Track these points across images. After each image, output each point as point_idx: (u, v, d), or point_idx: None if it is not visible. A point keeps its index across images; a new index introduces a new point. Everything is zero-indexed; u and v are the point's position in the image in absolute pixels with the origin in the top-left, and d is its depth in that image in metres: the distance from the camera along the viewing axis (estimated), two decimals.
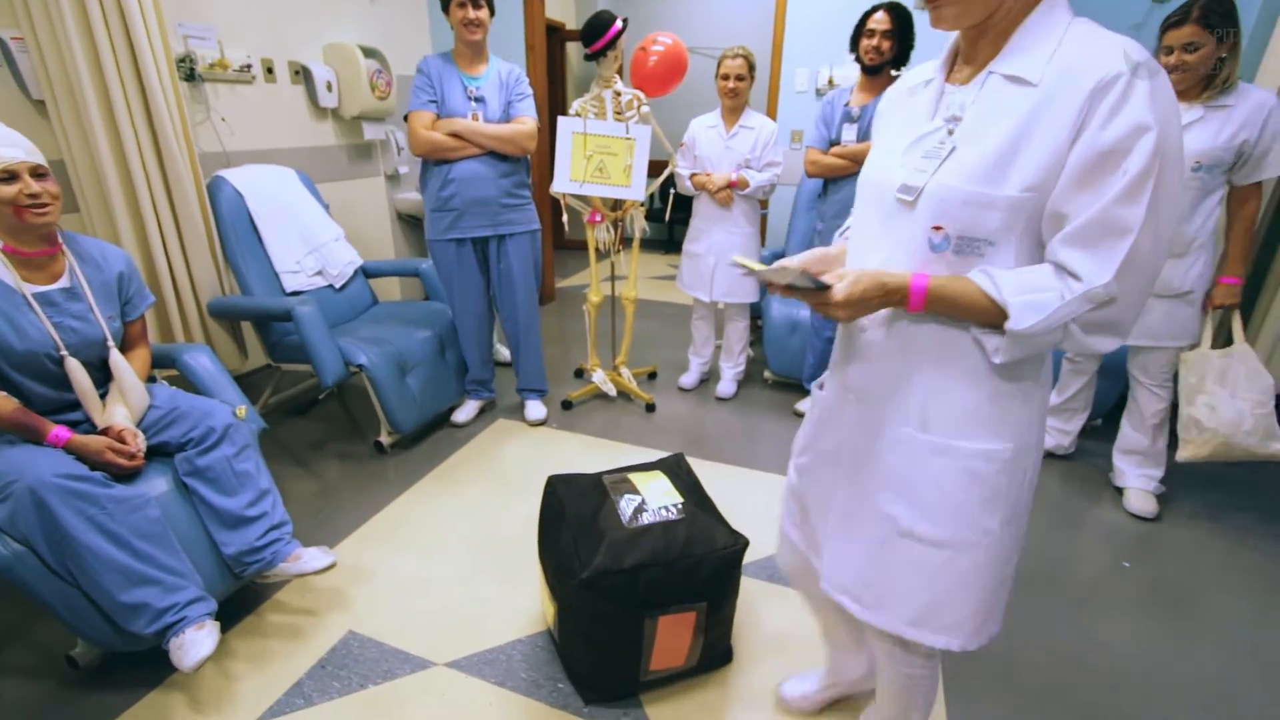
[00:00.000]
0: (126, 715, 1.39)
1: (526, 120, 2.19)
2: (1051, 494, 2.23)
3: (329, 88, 3.11)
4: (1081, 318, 0.73)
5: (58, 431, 1.40)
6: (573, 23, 5.70)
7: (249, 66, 2.77)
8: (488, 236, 2.32)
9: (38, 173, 1.38)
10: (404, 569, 1.83)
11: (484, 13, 2.08)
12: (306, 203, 2.59)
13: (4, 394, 1.37)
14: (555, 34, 5.32)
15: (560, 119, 2.31)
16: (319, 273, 2.56)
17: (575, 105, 2.37)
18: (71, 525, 1.29)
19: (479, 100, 2.15)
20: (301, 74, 3.05)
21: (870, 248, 0.89)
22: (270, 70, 2.90)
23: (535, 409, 2.64)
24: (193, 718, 1.39)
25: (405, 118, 2.19)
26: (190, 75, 2.48)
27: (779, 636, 1.61)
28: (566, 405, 2.76)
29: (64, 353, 1.44)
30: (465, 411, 2.62)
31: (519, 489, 2.20)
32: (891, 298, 0.81)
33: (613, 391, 2.85)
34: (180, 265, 2.20)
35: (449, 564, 1.85)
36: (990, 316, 0.77)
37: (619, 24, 2.25)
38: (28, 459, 1.32)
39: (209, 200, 2.27)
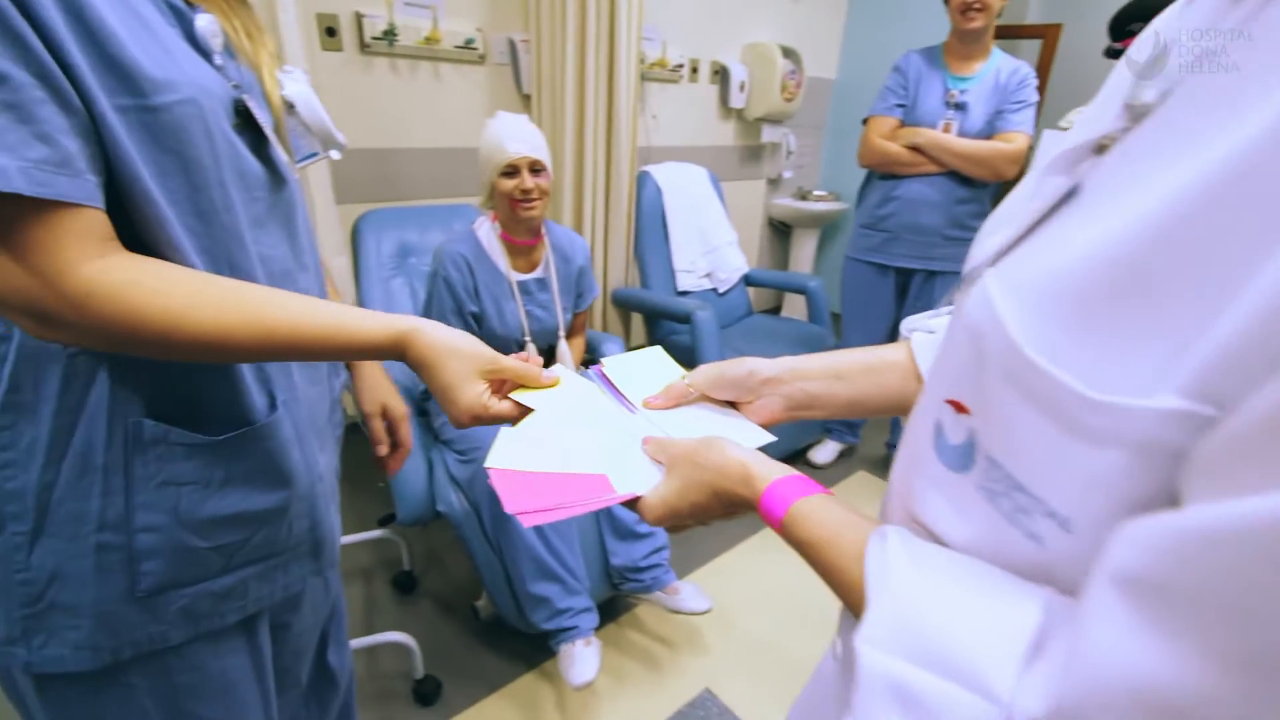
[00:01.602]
0: (504, 689, 1.44)
1: (1015, 137, 1.75)
2: None
3: (741, 88, 3.07)
4: None
5: None
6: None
7: (680, 66, 2.85)
8: (914, 269, 1.97)
9: (535, 168, 1.44)
10: (762, 630, 1.63)
11: None
12: (712, 204, 2.55)
13: None
14: None
15: (1046, 133, 1.82)
16: (708, 275, 2.52)
17: (1070, 117, 1.85)
18: None
19: (958, 107, 1.78)
20: (720, 74, 3.06)
21: None
22: (695, 70, 2.95)
23: None
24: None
25: (864, 121, 1.95)
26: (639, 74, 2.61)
27: None
28: None
29: (527, 338, 1.52)
30: (825, 452, 2.34)
31: None
32: (738, 511, 0.46)
33: None
34: (600, 253, 2.33)
35: (817, 643, 1.59)
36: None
37: None
38: (490, 430, 1.41)
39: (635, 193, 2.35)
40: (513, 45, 2.29)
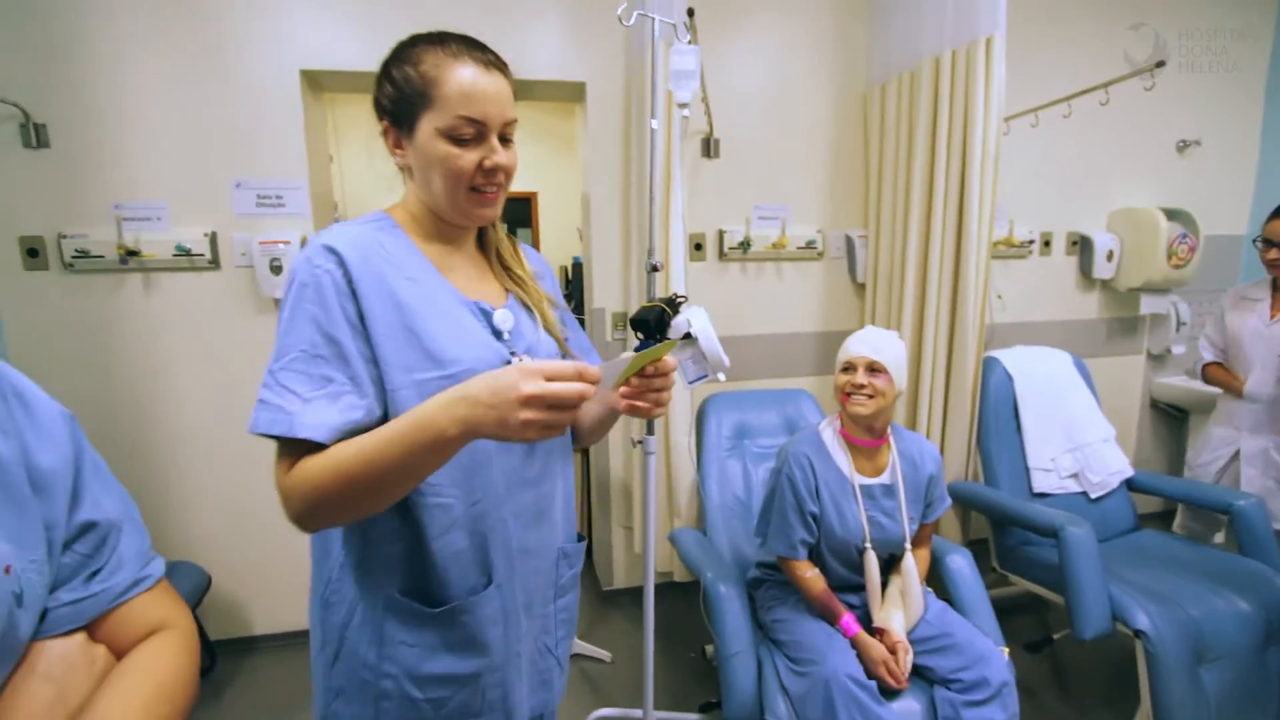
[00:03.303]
0: None
1: None
2: None
3: (1109, 257, 2.71)
4: None
5: (849, 621, 1.39)
6: None
7: (1030, 241, 2.66)
8: None
9: (873, 368, 1.45)
10: None
11: None
12: (1078, 393, 2.21)
13: (819, 572, 1.47)
14: None
15: None
16: (1074, 475, 2.12)
17: None
18: None
19: None
20: (1079, 244, 2.76)
21: None
22: (1047, 244, 2.72)
23: None
24: None
25: None
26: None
27: None
28: None
29: (868, 545, 1.44)
30: None
31: None
32: None
33: None
34: (935, 442, 2.16)
35: None
36: None
37: None
38: (828, 645, 1.33)
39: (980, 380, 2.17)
40: (849, 241, 2.44)
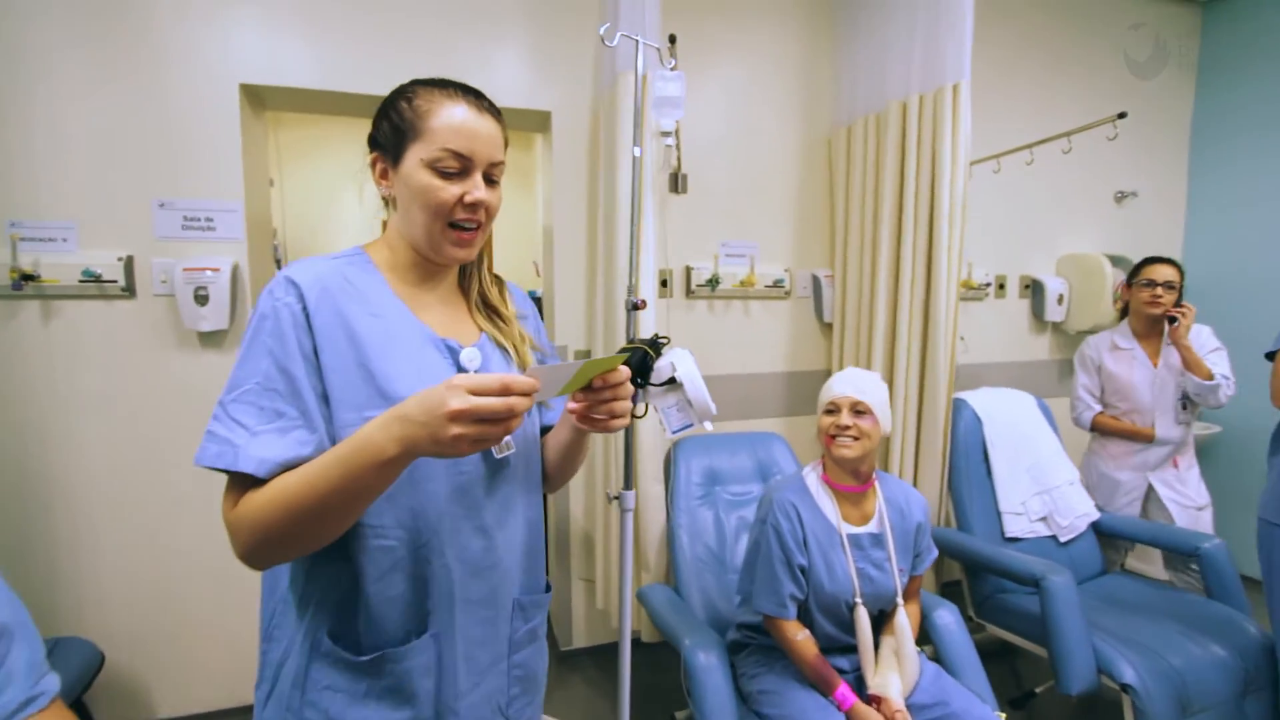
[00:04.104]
0: None
1: None
2: None
3: (1060, 300, 2.78)
4: None
5: (844, 692, 1.27)
6: None
7: (986, 285, 2.71)
8: None
9: (857, 409, 1.38)
10: None
11: None
12: (1044, 435, 2.21)
13: (810, 635, 1.35)
14: None
15: None
16: (1043, 519, 2.10)
17: None
18: None
19: None
20: (1031, 288, 2.83)
21: None
22: (1002, 286, 2.78)
23: None
24: None
25: (1269, 355, 1.56)
26: None
27: None
28: None
29: (858, 600, 1.35)
30: None
31: None
32: None
33: None
34: None
35: None
36: None
37: None
38: (815, 708, 1.22)
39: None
40: (816, 280, 2.41)
